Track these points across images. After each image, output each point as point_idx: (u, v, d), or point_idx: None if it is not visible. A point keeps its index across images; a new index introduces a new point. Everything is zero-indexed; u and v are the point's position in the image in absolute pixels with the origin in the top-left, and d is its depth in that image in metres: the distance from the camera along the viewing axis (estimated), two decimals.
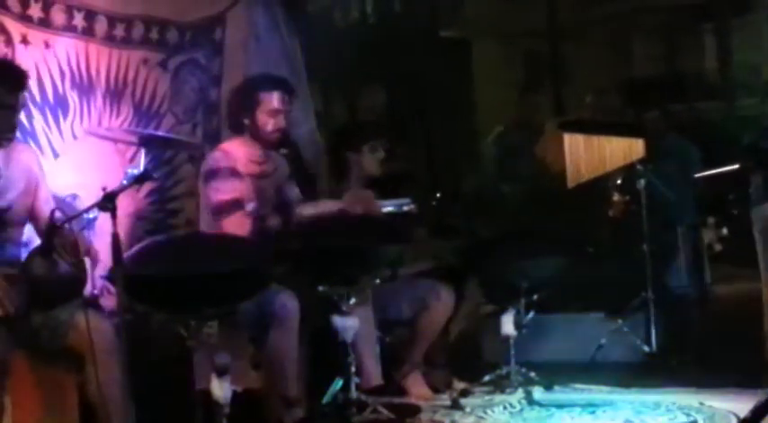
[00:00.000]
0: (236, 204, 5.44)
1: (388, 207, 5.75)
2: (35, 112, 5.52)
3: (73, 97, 5.79)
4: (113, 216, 3.99)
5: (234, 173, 5.50)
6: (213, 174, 5.50)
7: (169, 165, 6.14)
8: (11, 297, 4.24)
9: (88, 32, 5.93)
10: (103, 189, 4.06)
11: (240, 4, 6.71)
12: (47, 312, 4.42)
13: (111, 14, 6.08)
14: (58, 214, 4.43)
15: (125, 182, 4.24)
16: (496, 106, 11.87)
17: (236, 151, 5.60)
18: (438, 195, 6.92)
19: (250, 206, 5.46)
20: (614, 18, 19.84)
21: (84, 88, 5.87)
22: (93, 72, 5.95)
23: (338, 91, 7.93)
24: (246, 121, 5.63)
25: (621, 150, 7.61)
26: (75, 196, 4.75)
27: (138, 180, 4.39)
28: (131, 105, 6.14)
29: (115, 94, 6.06)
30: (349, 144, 6.30)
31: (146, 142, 4.56)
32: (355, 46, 8.15)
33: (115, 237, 3.96)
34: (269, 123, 5.60)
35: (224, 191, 5.46)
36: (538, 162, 7.79)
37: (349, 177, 6.22)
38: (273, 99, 5.60)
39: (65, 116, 5.74)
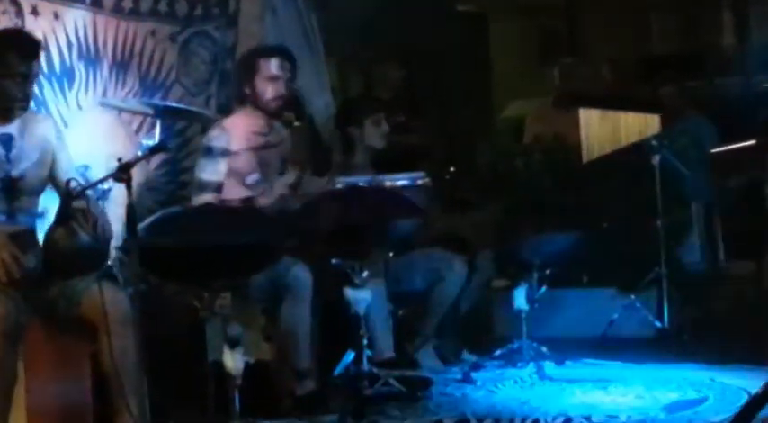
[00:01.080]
0: (210, 187, 5.51)
1: (402, 181, 5.74)
2: (44, 82, 5.51)
3: (79, 68, 5.79)
4: (129, 187, 3.99)
5: (224, 153, 5.54)
6: (207, 151, 5.57)
7: (181, 136, 6.13)
8: (19, 262, 4.24)
9: (96, 4, 5.93)
10: (119, 160, 4.05)
11: None
12: (64, 282, 4.44)
13: None
14: (73, 184, 4.45)
15: (140, 153, 4.23)
16: (513, 81, 11.84)
17: (236, 127, 5.62)
18: (452, 169, 6.91)
19: (251, 178, 5.48)
20: None
21: (91, 59, 5.87)
22: (101, 43, 5.95)
23: (354, 66, 7.89)
24: (248, 91, 5.66)
25: (636, 125, 7.63)
26: (86, 167, 4.75)
27: (154, 151, 4.40)
28: (137, 76, 6.13)
29: (121, 66, 6.06)
30: (351, 118, 6.32)
31: (163, 113, 4.55)
32: (372, 21, 8.11)
33: (130, 207, 3.97)
34: (268, 90, 5.61)
35: (208, 171, 5.53)
36: (533, 138, 7.76)
37: (354, 152, 6.22)
38: (271, 65, 5.62)
39: (70, 87, 5.74)
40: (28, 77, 4.51)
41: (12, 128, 4.51)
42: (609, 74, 9.06)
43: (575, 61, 8.48)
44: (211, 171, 5.51)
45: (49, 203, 4.67)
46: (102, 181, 4.34)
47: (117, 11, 6.04)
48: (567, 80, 8.05)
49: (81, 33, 5.81)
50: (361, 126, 6.24)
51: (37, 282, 4.36)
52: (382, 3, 7.89)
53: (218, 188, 5.50)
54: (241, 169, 5.53)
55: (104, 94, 5.89)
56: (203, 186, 5.53)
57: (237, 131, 5.60)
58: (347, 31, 7.62)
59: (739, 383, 5.41)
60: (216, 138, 5.56)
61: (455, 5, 12.57)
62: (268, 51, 5.83)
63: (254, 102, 5.66)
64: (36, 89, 5.04)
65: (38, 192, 4.61)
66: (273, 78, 5.62)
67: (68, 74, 5.72)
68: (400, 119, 6.37)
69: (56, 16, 5.68)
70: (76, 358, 4.62)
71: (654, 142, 7.14)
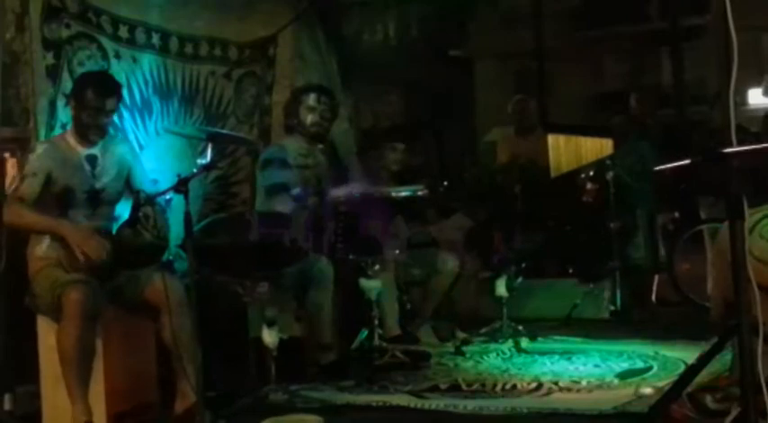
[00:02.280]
0: (283, 187, 5.48)
1: (405, 192, 5.76)
2: (126, 113, 5.51)
3: (155, 101, 5.80)
4: (186, 197, 3.99)
5: (284, 164, 5.57)
6: (269, 162, 5.60)
7: (231, 157, 6.13)
8: (106, 247, 4.25)
9: (165, 50, 5.92)
10: (178, 176, 4.06)
11: (289, 28, 6.69)
12: (131, 273, 4.44)
13: (186, 36, 6.06)
14: (141, 194, 4.47)
15: (195, 170, 4.21)
16: (492, 112, 11.87)
17: (289, 146, 5.69)
18: (445, 183, 6.91)
19: (295, 191, 5.47)
20: (590, 42, 19.81)
21: (164, 94, 5.88)
22: (171, 82, 5.95)
23: (366, 99, 7.90)
24: (295, 121, 5.74)
25: (594, 148, 7.62)
26: (155, 181, 4.74)
27: (206, 169, 4.39)
28: (202, 108, 6.14)
29: (189, 100, 6.06)
30: (374, 145, 6.36)
31: (212, 138, 4.55)
32: (380, 62, 8.13)
33: (187, 214, 3.97)
34: (308, 118, 5.71)
35: (276, 176, 5.53)
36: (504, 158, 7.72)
37: (374, 171, 6.22)
38: (310, 98, 5.74)
39: (150, 116, 5.73)
40: (109, 111, 4.54)
41: (95, 149, 4.53)
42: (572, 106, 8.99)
43: (524, 97, 8.42)
44: (279, 176, 5.52)
45: (122, 210, 4.66)
46: (164, 193, 4.34)
47: (181, 55, 6.03)
48: (522, 112, 8.00)
49: (155, 73, 5.81)
50: (381, 151, 6.27)
51: (109, 272, 4.36)
52: (390, 49, 7.91)
53: (287, 187, 5.48)
54: (289, 183, 5.54)
55: (176, 122, 5.89)
56: (274, 189, 5.51)
57: (290, 150, 5.66)
58: (360, 72, 7.63)
59: (678, 355, 5.40)
60: (276, 151, 5.65)
61: (448, 51, 12.58)
62: (309, 89, 5.94)
63: (299, 129, 5.74)
64: (117, 118, 5.07)
65: (115, 201, 4.62)
66: (311, 109, 5.72)
67: (147, 106, 5.72)
68: (403, 146, 6.35)
69: (134, 59, 5.67)
70: (143, 334, 4.63)
71: (608, 161, 7.15)
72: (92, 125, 4.48)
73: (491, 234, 6.61)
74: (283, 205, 5.40)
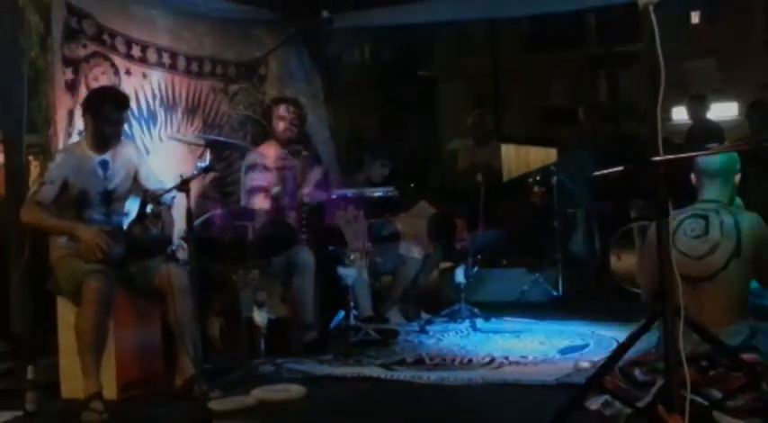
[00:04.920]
0: (262, 189, 5.49)
1: (378, 192, 5.75)
2: (134, 122, 5.49)
3: (160, 113, 5.76)
4: (188, 196, 3.96)
5: (264, 168, 5.58)
6: (251, 167, 5.59)
7: (227, 161, 6.10)
8: (110, 245, 4.21)
9: (173, 67, 5.90)
10: (181, 176, 4.03)
11: (278, 50, 6.68)
12: (140, 263, 4.41)
13: (188, 55, 6.05)
14: (148, 193, 4.44)
15: (195, 172, 4.18)
16: (454, 124, 11.86)
17: (268, 151, 5.68)
18: (412, 185, 6.89)
19: (275, 190, 5.48)
20: (539, 64, 19.88)
21: (169, 106, 5.84)
22: (177, 95, 5.92)
23: (345, 112, 7.88)
24: (271, 128, 5.76)
25: (540, 156, 7.62)
26: (161, 182, 4.71)
27: (205, 171, 4.37)
28: (202, 119, 6.11)
29: (191, 111, 6.03)
30: (361, 160, 6.36)
31: (210, 145, 4.53)
32: (358, 80, 8.13)
33: (189, 210, 3.94)
34: (279, 125, 5.71)
35: (256, 179, 5.53)
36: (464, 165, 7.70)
37: (360, 180, 6.20)
38: (281, 109, 5.74)
39: (155, 126, 5.70)
40: (120, 123, 4.51)
41: (107, 155, 4.49)
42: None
43: (481, 111, 8.40)
44: (259, 178, 5.52)
45: (131, 205, 4.63)
46: (168, 191, 4.32)
47: (188, 72, 6.02)
48: (479, 125, 7.99)
49: (162, 88, 5.78)
50: (370, 168, 6.26)
51: (122, 262, 4.32)
52: (366, 69, 7.90)
53: (265, 190, 5.49)
54: (268, 184, 5.52)
55: (178, 130, 5.86)
56: (255, 190, 5.52)
57: (267, 155, 5.64)
58: (340, 88, 7.63)
59: (611, 335, 5.41)
60: (256, 157, 5.61)
61: (416, 71, 12.57)
62: (278, 100, 6.00)
63: (274, 135, 5.72)
64: (127, 127, 5.04)
65: (125, 198, 4.58)
66: (282, 117, 5.70)
67: (153, 117, 5.68)
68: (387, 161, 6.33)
69: (144, 76, 5.64)
70: (150, 315, 4.60)
71: (552, 168, 7.16)
72: (112, 135, 4.47)
73: (452, 226, 6.61)
74: (263, 203, 5.40)
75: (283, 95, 6.46)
